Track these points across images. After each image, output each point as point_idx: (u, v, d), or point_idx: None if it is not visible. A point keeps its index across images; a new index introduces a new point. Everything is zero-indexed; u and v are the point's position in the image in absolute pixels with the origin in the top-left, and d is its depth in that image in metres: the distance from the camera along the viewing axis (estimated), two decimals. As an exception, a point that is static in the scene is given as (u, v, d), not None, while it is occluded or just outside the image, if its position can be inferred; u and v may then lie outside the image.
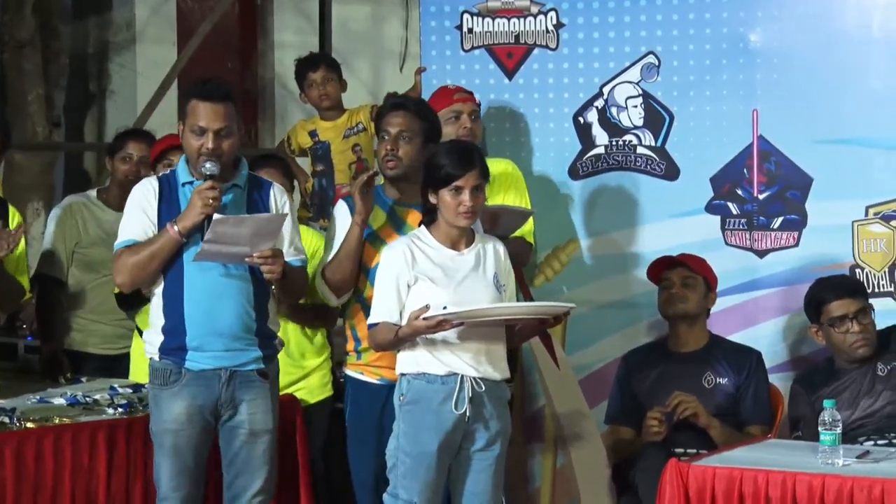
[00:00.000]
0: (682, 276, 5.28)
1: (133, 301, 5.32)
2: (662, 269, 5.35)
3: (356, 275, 4.90)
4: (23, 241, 5.26)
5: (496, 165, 5.23)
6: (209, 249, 4.53)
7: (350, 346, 5.00)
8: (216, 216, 4.53)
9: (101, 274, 5.81)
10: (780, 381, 5.44)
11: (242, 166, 4.74)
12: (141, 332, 5.29)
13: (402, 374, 4.62)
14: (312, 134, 6.45)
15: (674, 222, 5.76)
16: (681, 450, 4.90)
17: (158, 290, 4.67)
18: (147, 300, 4.85)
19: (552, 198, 5.95)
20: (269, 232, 4.60)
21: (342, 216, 4.98)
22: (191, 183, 4.66)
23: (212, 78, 4.81)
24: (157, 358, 4.67)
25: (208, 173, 4.57)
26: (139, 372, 5.28)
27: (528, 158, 6.00)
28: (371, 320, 4.65)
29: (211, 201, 4.53)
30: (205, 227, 4.53)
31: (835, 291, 5.09)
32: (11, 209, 5.37)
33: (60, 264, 5.88)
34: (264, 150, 7.38)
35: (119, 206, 5.78)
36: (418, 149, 4.91)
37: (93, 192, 6.08)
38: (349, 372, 5.03)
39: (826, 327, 5.08)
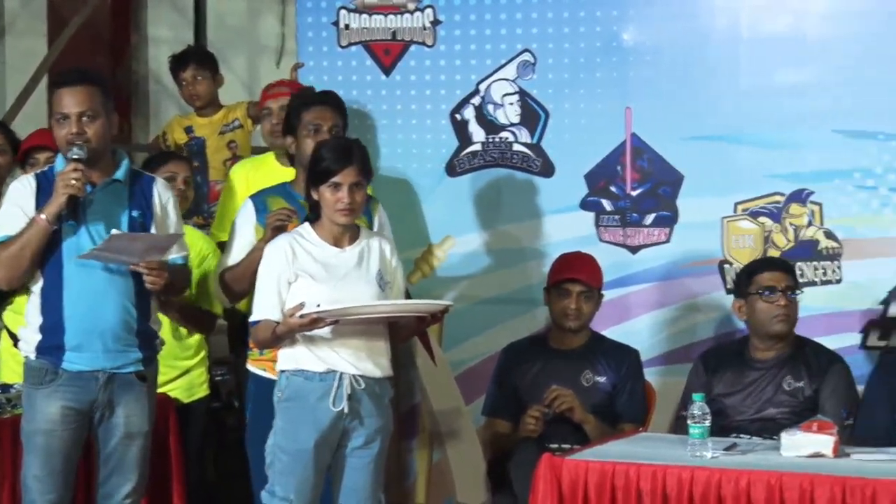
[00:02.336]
0: (580, 290, 5.30)
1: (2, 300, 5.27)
2: (562, 276, 5.35)
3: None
4: None
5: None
6: (97, 255, 4.50)
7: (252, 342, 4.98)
8: (114, 231, 4.51)
9: None
10: (652, 376, 5.54)
11: (122, 160, 4.69)
12: (9, 331, 5.24)
13: (282, 371, 4.62)
14: (188, 130, 6.38)
15: (550, 219, 5.85)
16: (555, 444, 4.96)
17: (36, 287, 4.61)
18: (10, 296, 4.80)
19: (429, 194, 6.00)
20: (161, 248, 4.60)
21: (246, 216, 5.01)
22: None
23: (74, 67, 4.78)
24: (32, 357, 4.61)
25: (74, 157, 4.51)
26: (7, 371, 5.21)
27: (405, 155, 6.03)
28: (252, 318, 4.64)
29: (73, 182, 4.46)
30: (64, 212, 4.48)
31: (770, 265, 5.18)
32: None
33: None
34: (139, 145, 7.35)
35: None
36: None
37: None
38: (252, 368, 5.02)
39: (752, 298, 5.11)
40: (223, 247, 5.25)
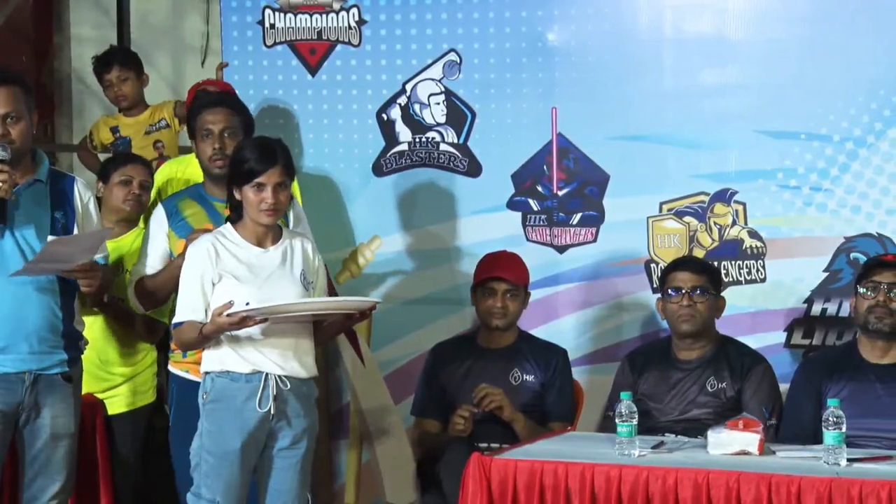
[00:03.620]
0: (505, 288, 5.29)
1: None
2: (487, 275, 5.34)
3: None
4: None
5: None
6: (34, 267, 4.46)
7: (175, 344, 4.94)
8: (50, 237, 4.47)
9: None
10: (580, 375, 5.54)
11: (42, 160, 4.65)
12: None
13: (207, 373, 4.57)
14: (114, 130, 6.34)
15: (477, 218, 5.84)
16: (484, 444, 4.95)
17: None
18: None
19: (356, 194, 5.98)
20: (91, 247, 4.56)
21: (158, 222, 4.95)
22: None
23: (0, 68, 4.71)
24: (-44, 360, 4.55)
25: None
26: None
27: (332, 155, 6.00)
28: (176, 319, 4.60)
29: (0, 184, 4.43)
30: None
31: (679, 265, 5.16)
32: None
33: None
34: (63, 145, 7.25)
35: None
36: None
37: None
38: (174, 370, 4.99)
39: (664, 296, 5.13)
40: None
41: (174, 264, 4.81)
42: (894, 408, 4.77)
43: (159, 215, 4.97)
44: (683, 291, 5.06)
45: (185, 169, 5.52)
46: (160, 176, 5.58)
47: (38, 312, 4.55)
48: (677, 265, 5.17)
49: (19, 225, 4.52)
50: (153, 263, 4.93)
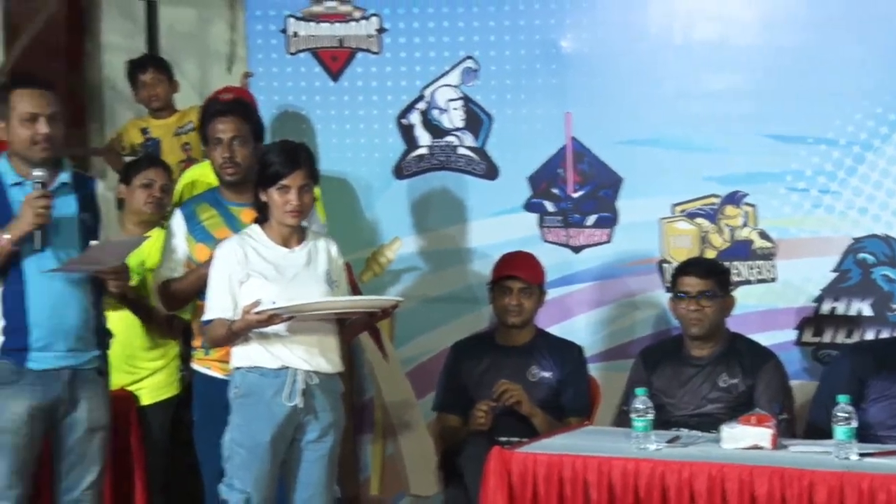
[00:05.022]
0: (520, 286, 5.28)
1: None
2: (502, 273, 5.34)
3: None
4: None
5: None
6: (69, 267, 4.48)
7: (197, 342, 4.96)
8: (92, 242, 4.50)
9: None
10: (594, 371, 5.53)
11: (65, 164, 4.66)
12: None
13: (237, 368, 4.59)
14: (144, 131, 6.38)
15: (494, 220, 5.84)
16: (504, 438, 4.94)
17: None
18: None
19: (378, 196, 5.98)
20: (125, 252, 4.62)
21: (177, 226, 4.95)
22: (20, 184, 4.54)
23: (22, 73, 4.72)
24: (-6, 357, 4.56)
25: (38, 181, 4.48)
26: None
27: (354, 159, 6.01)
28: (205, 317, 4.61)
29: (41, 210, 4.46)
30: (35, 235, 4.46)
31: (687, 269, 5.12)
32: None
33: None
34: (94, 149, 7.25)
35: None
36: (251, 150, 4.92)
37: None
38: (196, 367, 4.98)
39: (674, 299, 5.11)
40: None
41: (198, 271, 4.82)
42: None
43: (177, 220, 4.97)
44: (691, 295, 5.04)
45: (209, 172, 5.48)
46: (185, 179, 5.58)
47: (74, 311, 4.57)
48: (685, 270, 5.14)
49: (50, 227, 4.52)
50: (175, 266, 4.94)
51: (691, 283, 5.05)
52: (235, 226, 4.88)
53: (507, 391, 5.12)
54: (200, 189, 5.32)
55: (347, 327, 4.72)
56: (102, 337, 4.69)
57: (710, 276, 5.09)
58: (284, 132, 5.80)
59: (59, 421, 4.59)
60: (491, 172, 5.89)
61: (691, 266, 5.16)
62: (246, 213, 4.87)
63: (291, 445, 4.57)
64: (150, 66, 6.38)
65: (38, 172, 4.49)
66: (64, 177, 4.60)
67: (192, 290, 4.87)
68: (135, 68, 6.39)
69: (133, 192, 5.37)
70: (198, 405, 4.97)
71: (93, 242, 4.53)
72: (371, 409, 6.00)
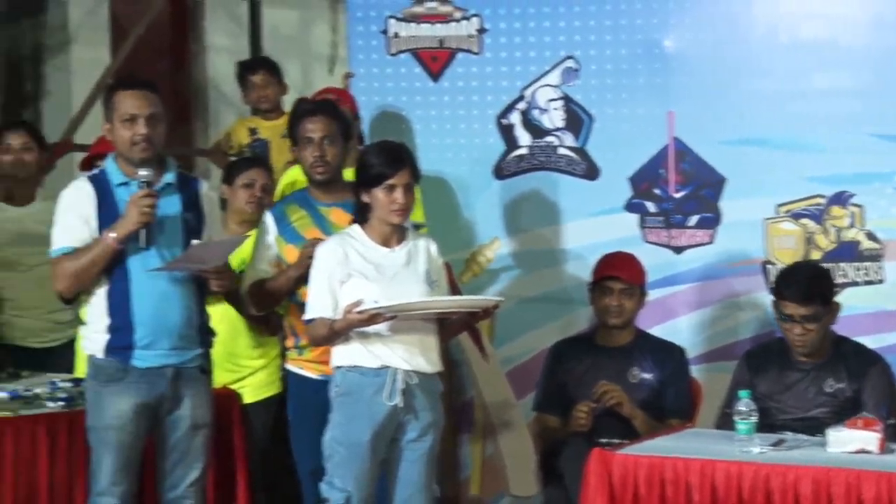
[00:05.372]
0: (620, 287, 5.24)
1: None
2: (603, 274, 5.30)
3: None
4: None
5: None
6: (172, 266, 4.52)
7: (290, 342, 4.98)
8: (194, 242, 4.53)
9: (17, 271, 5.74)
10: (696, 373, 5.46)
11: (170, 164, 4.68)
12: None
13: (337, 367, 4.59)
14: (253, 131, 6.47)
15: (595, 220, 5.78)
16: (604, 439, 4.90)
17: (101, 290, 4.58)
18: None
19: (477, 196, 5.97)
20: (227, 252, 4.65)
21: (267, 227, 4.97)
22: (126, 184, 4.58)
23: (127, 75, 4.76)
24: (99, 355, 4.59)
25: (143, 181, 4.51)
26: (83, 366, 5.17)
27: (454, 159, 5.99)
28: (307, 316, 4.61)
29: (146, 209, 4.48)
30: (140, 234, 4.49)
31: (787, 293, 4.92)
32: None
33: None
34: (199, 150, 7.32)
35: (18, 201, 5.76)
36: (340, 150, 4.94)
37: None
38: (290, 367, 5.01)
39: (779, 319, 4.96)
40: None
41: (289, 272, 4.83)
42: None
43: (268, 222, 4.98)
44: (795, 320, 4.89)
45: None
46: (286, 179, 5.61)
47: (178, 309, 4.59)
48: (785, 293, 4.90)
49: (154, 225, 4.54)
50: (265, 267, 4.95)
51: (792, 309, 4.89)
52: (325, 226, 4.88)
53: (608, 392, 5.08)
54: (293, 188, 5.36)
55: (447, 327, 4.71)
56: (205, 335, 4.71)
57: (810, 301, 4.87)
58: (384, 133, 5.80)
59: (163, 418, 4.62)
60: (591, 172, 5.83)
61: (791, 290, 4.91)
62: (335, 214, 4.88)
63: (391, 445, 4.57)
64: (261, 68, 6.47)
65: (143, 172, 4.52)
66: (169, 177, 4.63)
67: (282, 290, 4.88)
68: (245, 70, 6.48)
69: (235, 192, 5.40)
70: (292, 405, 4.99)
71: (194, 242, 4.55)
72: (471, 408, 5.99)
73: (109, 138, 4.64)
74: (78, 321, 5.02)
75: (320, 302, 4.56)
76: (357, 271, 4.54)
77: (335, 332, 4.53)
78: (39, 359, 5.72)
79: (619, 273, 5.26)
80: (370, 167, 4.56)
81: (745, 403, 4.36)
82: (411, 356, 4.54)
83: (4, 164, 5.84)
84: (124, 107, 4.55)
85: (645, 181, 5.73)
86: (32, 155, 5.83)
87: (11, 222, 5.79)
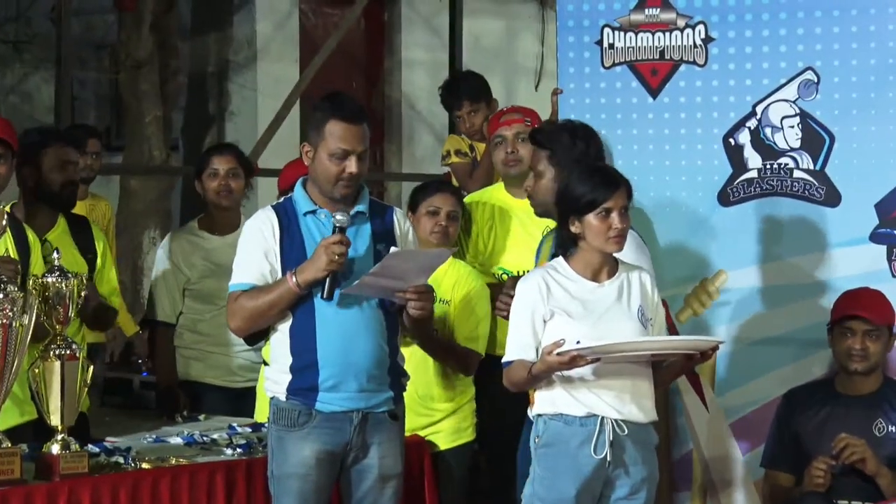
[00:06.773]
0: (865, 328, 5.19)
1: (257, 334, 5.33)
2: (844, 313, 5.26)
3: None
4: (109, 256, 5.47)
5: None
6: (368, 282, 4.52)
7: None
8: (393, 249, 4.56)
9: (216, 305, 5.85)
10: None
11: (362, 190, 4.74)
12: None
13: (539, 415, 4.59)
14: (471, 148, 6.69)
15: (835, 252, 5.66)
16: (844, 501, 4.88)
17: (284, 326, 4.66)
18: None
19: (700, 225, 5.89)
20: (430, 267, 4.64)
21: None
22: (314, 212, 4.66)
23: (340, 93, 4.81)
24: (282, 398, 4.67)
25: (339, 225, 4.56)
26: (265, 410, 5.29)
27: (673, 183, 5.94)
28: (505, 358, 4.63)
29: (337, 258, 4.52)
30: (324, 284, 4.54)
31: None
32: (95, 230, 5.49)
33: (165, 308, 5.96)
34: (392, 174, 7.43)
35: (220, 230, 5.87)
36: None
37: (194, 223, 6.11)
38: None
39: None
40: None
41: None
42: None
43: None
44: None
45: (492, 193, 5.90)
46: (468, 199, 5.84)
47: (367, 348, 4.63)
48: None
49: (341, 274, 4.58)
50: None
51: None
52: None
53: (849, 447, 5.00)
54: (480, 211, 5.68)
55: (663, 371, 4.67)
56: (397, 377, 4.73)
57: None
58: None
59: (349, 467, 4.67)
60: (832, 198, 5.71)
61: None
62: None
63: (599, 502, 4.54)
64: (465, 99, 6.73)
65: (339, 217, 4.56)
66: (361, 206, 4.69)
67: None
68: (448, 98, 6.80)
69: (419, 220, 5.47)
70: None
71: (393, 249, 4.55)
72: (689, 464, 5.90)
73: (307, 162, 4.70)
74: (263, 361, 5.17)
75: (520, 342, 4.57)
76: (561, 308, 4.53)
77: (534, 377, 4.52)
78: (230, 399, 5.88)
79: (862, 312, 5.20)
80: (580, 196, 4.55)
81: None
82: (622, 403, 4.52)
83: (209, 190, 6.01)
84: (336, 140, 4.58)
85: (894, 209, 5.58)
86: (238, 182, 5.99)
87: (212, 253, 5.95)
